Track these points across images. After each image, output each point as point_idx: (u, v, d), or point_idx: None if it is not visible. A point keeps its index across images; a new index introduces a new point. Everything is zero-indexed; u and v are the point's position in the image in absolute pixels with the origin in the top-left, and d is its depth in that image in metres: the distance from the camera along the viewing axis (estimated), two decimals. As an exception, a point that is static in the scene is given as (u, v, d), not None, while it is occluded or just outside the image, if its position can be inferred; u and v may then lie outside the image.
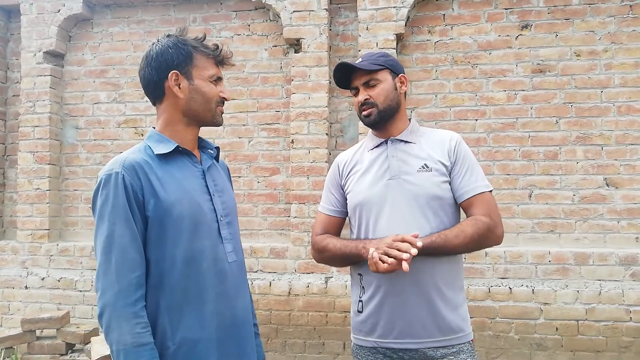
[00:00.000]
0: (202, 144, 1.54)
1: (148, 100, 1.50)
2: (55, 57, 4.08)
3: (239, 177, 3.83)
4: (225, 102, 1.50)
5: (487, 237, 1.57)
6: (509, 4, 3.58)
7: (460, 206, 1.64)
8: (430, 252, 1.50)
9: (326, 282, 3.54)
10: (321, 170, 3.58)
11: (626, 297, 3.23)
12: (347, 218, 1.76)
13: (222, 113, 1.50)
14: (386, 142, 1.68)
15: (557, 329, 3.28)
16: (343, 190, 1.74)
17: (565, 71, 3.50)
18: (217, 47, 1.46)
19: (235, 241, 1.49)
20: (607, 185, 3.42)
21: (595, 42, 3.48)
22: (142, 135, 3.93)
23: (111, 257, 1.27)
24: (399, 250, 1.42)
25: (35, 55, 4.02)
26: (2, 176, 4.20)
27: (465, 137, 3.55)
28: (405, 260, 1.40)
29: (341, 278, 3.53)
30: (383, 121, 1.65)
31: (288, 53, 3.81)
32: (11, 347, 3.42)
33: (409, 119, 1.72)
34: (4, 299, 3.97)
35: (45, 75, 4.00)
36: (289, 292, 3.56)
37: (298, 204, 3.62)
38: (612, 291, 3.25)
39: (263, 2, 3.71)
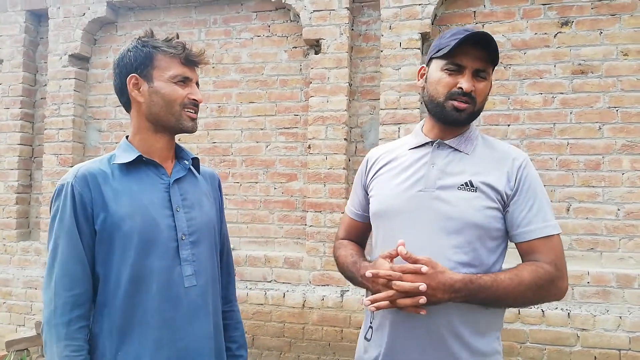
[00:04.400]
0: (180, 154, 1.43)
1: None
2: (80, 60, 4.11)
3: (256, 182, 3.71)
4: (197, 105, 1.37)
5: (549, 291, 1.25)
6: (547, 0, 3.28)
7: (518, 247, 1.31)
8: (474, 293, 1.19)
9: (342, 295, 3.35)
10: (339, 178, 3.40)
11: (678, 327, 2.86)
12: None
13: (194, 118, 1.36)
14: (432, 143, 1.36)
15: (595, 358, 2.95)
16: (367, 192, 1.48)
17: (610, 72, 3.16)
18: (183, 45, 1.34)
19: (199, 263, 1.34)
20: (658, 200, 3.05)
21: (646, 39, 3.12)
22: (161, 138, 3.88)
23: (52, 273, 1.23)
24: (402, 287, 1.17)
25: (61, 58, 4.06)
26: (29, 177, 4.27)
27: (496, 144, 3.27)
28: (416, 307, 1.17)
29: (358, 292, 3.33)
30: (465, 124, 1.35)
31: (308, 54, 3.66)
32: (26, 349, 3.43)
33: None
34: (27, 299, 4.02)
35: (70, 78, 4.03)
36: (303, 305, 3.40)
37: (314, 212, 3.45)
38: (661, 319, 2.89)
39: (283, 1, 3.58)
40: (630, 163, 3.10)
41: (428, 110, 1.38)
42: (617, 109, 3.14)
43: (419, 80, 1.42)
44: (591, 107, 3.18)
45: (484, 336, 1.28)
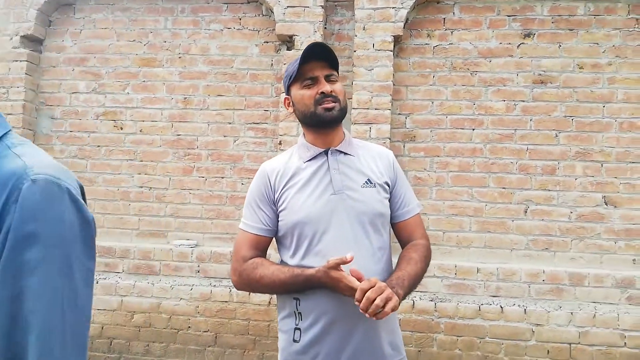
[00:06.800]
0: None
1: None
2: (33, 42, 3.85)
3: (222, 177, 3.63)
4: None
5: (429, 258, 1.56)
6: (512, 11, 3.44)
7: (397, 225, 1.59)
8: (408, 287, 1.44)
9: (309, 292, 3.35)
10: (309, 175, 3.40)
11: (621, 322, 3.09)
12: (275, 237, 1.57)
13: None
14: (326, 152, 1.52)
15: (548, 352, 3.13)
16: (276, 206, 1.52)
17: (567, 83, 3.37)
18: None
19: None
20: (606, 204, 3.29)
21: (599, 54, 3.35)
22: (122, 128, 3.71)
23: None
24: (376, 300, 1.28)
25: (11, 39, 3.78)
26: (-30, 165, 3.95)
27: (461, 147, 3.40)
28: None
29: (325, 289, 3.34)
30: (339, 121, 1.51)
31: (280, 50, 3.63)
32: None
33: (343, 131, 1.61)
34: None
35: (21, 61, 3.77)
36: (269, 302, 3.37)
37: (283, 209, 3.43)
38: (607, 314, 3.11)
39: (256, -5, 3.53)
40: (583, 169, 3.32)
41: (306, 125, 1.55)
42: (572, 118, 3.35)
43: (288, 109, 1.60)
44: (549, 115, 3.37)
45: (394, 314, 1.48)
